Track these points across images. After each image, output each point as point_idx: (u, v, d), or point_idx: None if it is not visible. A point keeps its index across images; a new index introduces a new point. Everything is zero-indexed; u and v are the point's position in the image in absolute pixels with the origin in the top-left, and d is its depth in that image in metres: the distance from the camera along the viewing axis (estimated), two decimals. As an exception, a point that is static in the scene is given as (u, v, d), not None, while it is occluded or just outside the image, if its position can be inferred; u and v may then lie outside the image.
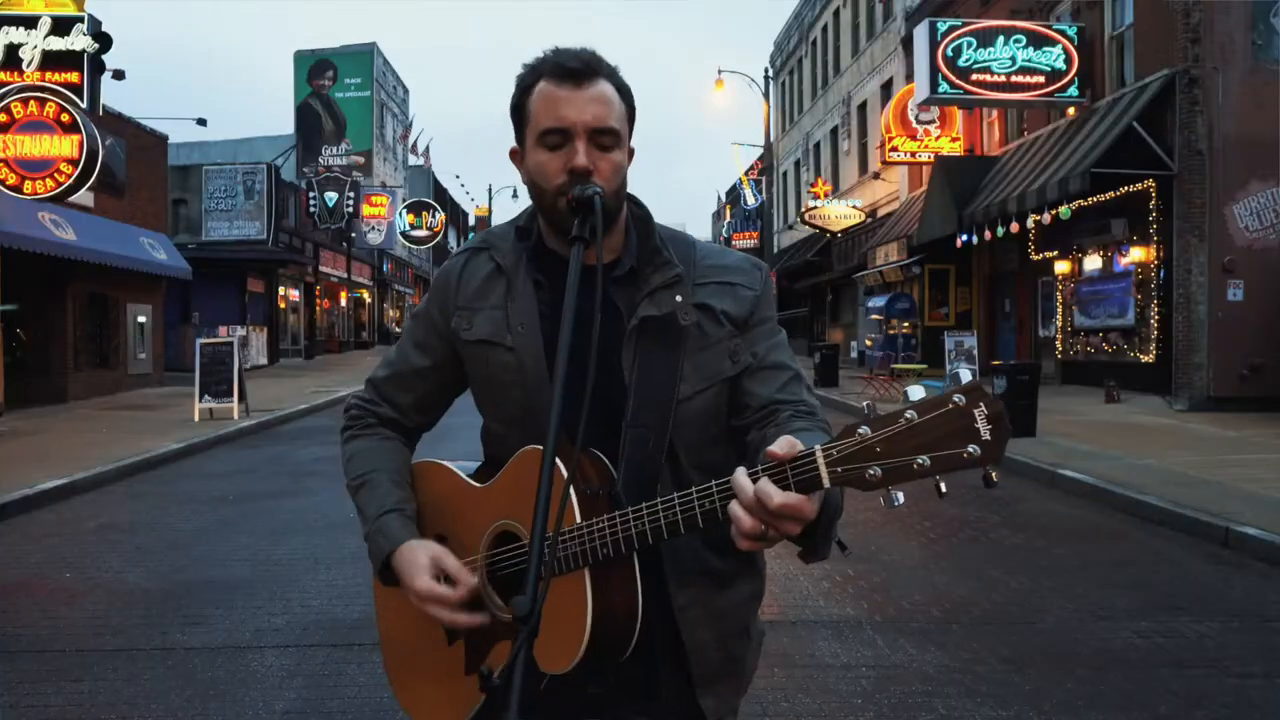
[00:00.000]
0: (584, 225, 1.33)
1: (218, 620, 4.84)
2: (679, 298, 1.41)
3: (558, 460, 1.24)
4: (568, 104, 1.37)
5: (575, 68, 1.38)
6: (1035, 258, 18.01)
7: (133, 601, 5.21)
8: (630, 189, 1.47)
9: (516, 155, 1.49)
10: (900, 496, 1.12)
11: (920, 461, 1.09)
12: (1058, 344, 17.30)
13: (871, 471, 1.10)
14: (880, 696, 3.78)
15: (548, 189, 1.40)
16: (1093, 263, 16.18)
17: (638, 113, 1.46)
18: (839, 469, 1.12)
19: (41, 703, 3.81)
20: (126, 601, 5.21)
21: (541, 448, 1.22)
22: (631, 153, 1.46)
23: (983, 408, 1.08)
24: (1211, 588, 5.35)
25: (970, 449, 1.08)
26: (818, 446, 1.14)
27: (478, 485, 1.48)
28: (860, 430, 1.12)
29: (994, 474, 1.11)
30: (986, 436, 1.08)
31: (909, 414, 1.10)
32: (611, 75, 1.42)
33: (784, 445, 1.15)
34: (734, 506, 1.17)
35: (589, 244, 1.32)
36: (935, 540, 6.46)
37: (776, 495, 1.13)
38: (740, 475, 1.17)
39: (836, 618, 4.79)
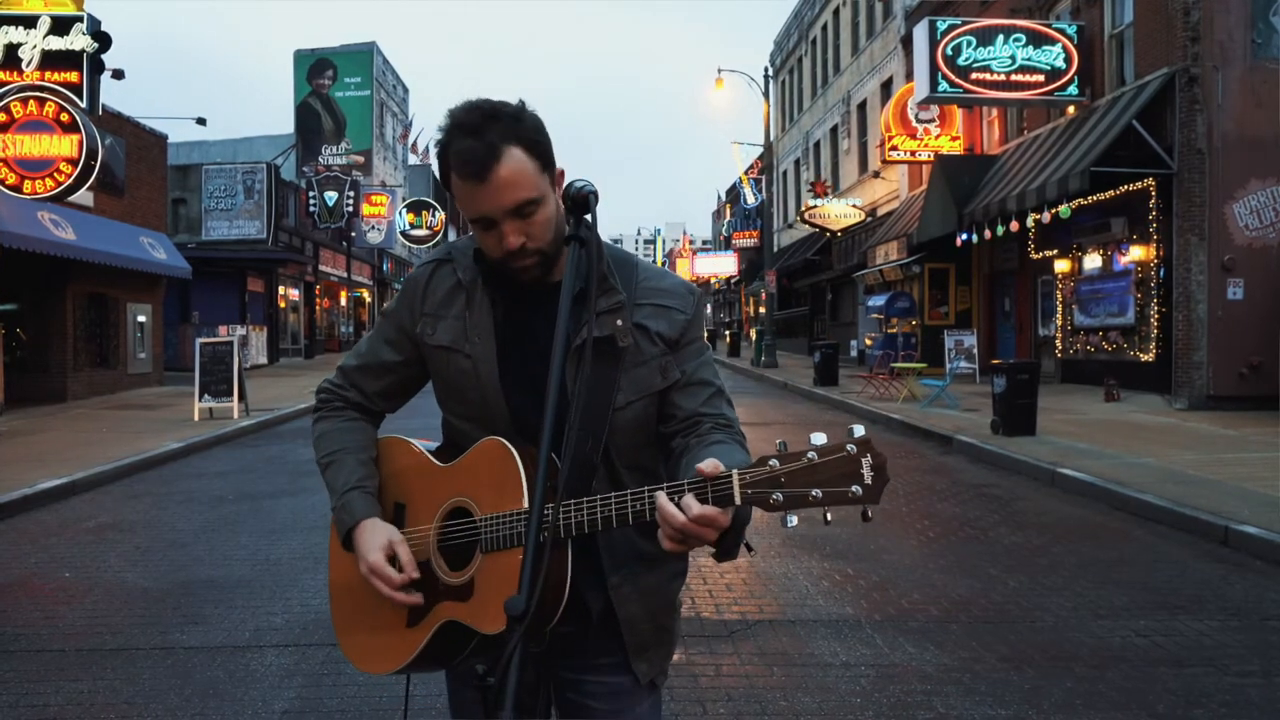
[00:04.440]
0: (579, 225, 1.48)
1: (217, 619, 4.84)
2: (620, 321, 1.58)
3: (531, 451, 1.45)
4: (481, 199, 1.51)
5: (474, 169, 1.48)
6: (1035, 256, 18.02)
7: (132, 601, 5.21)
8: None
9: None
10: (794, 519, 1.32)
11: (814, 494, 1.31)
12: (1057, 343, 17.30)
13: (775, 496, 1.31)
14: (879, 695, 3.79)
15: (492, 257, 1.58)
16: (1092, 261, 16.18)
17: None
18: (749, 490, 1.33)
19: (40, 702, 3.81)
20: (125, 601, 5.21)
21: (502, 440, 1.51)
22: (562, 174, 1.58)
23: (869, 458, 1.31)
24: (1210, 586, 5.35)
25: (854, 489, 1.30)
26: (735, 470, 1.34)
27: (439, 464, 1.64)
28: (770, 462, 1.33)
29: (870, 512, 1.33)
30: (868, 481, 1.31)
31: (810, 455, 1.31)
32: (511, 134, 1.50)
33: (709, 465, 1.34)
34: (666, 509, 1.35)
35: (584, 243, 1.47)
36: (934, 539, 6.46)
37: (695, 507, 1.33)
38: (662, 497, 1.37)
39: (835, 617, 4.79)
